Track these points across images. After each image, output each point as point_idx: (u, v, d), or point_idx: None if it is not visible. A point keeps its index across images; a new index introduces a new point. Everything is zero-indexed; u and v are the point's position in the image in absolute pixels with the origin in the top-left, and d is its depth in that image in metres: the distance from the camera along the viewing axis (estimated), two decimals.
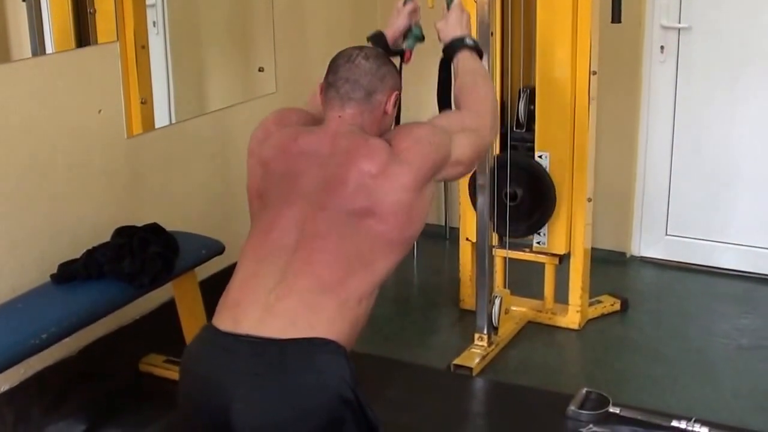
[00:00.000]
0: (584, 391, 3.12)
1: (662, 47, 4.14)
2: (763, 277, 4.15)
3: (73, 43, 3.04)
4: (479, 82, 2.38)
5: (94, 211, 3.12)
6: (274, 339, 1.92)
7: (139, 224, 2.99)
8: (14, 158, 2.84)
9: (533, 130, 3.61)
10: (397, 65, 2.36)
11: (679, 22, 4.08)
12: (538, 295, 3.80)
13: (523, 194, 3.62)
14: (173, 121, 3.52)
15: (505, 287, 3.67)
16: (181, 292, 3.17)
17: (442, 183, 4.59)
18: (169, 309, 3.23)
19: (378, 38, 2.54)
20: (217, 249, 3.16)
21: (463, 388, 3.32)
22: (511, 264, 3.70)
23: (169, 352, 3.30)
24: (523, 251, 3.73)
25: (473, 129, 2.25)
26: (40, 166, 2.93)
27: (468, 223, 3.72)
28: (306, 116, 2.27)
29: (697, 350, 3.55)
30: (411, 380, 3.34)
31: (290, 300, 1.95)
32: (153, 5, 3.37)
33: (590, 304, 3.80)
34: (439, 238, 4.61)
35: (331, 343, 1.94)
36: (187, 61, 3.69)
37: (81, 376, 3.11)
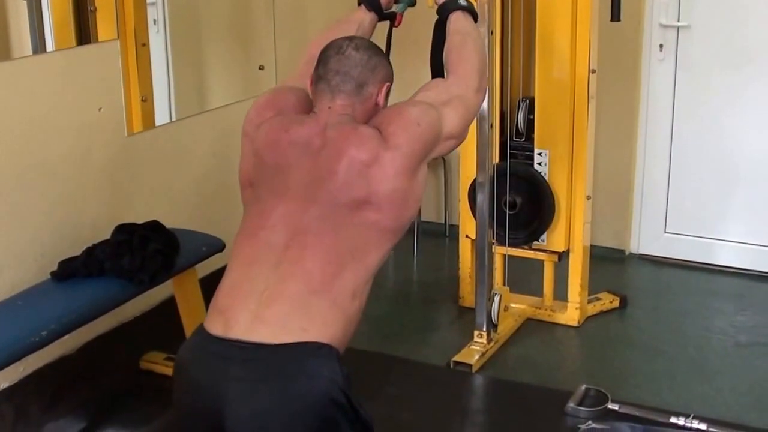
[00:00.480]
0: (583, 387, 3.13)
1: (661, 45, 4.14)
2: (760, 274, 4.16)
3: (73, 41, 3.04)
4: (468, 42, 2.34)
5: (94, 209, 3.13)
6: (265, 344, 1.90)
7: (140, 222, 3.00)
8: (14, 156, 2.84)
9: (532, 140, 3.62)
10: (388, 33, 2.41)
11: (678, 21, 4.09)
12: (538, 292, 3.81)
13: (522, 203, 3.63)
14: (174, 119, 3.52)
15: (504, 284, 3.68)
16: (182, 290, 3.17)
17: (442, 182, 4.60)
18: (169, 306, 3.24)
19: (371, 1, 2.51)
20: (218, 246, 3.16)
21: (462, 385, 3.32)
22: (510, 261, 3.70)
23: (169, 350, 3.30)
24: (523, 249, 3.73)
25: (459, 95, 2.20)
26: (41, 163, 2.93)
27: (468, 220, 3.73)
28: (302, 96, 2.21)
29: (695, 347, 3.56)
30: (411, 377, 3.35)
31: (281, 304, 1.93)
32: (153, 3, 3.37)
33: (589, 301, 3.81)
34: (438, 235, 4.62)
35: (324, 347, 1.91)
36: (188, 59, 3.69)
37: (81, 373, 3.12)
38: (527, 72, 3.70)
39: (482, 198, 3.44)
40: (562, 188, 3.58)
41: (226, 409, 1.89)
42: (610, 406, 3.03)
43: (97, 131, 3.13)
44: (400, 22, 2.57)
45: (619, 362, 3.50)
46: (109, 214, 3.12)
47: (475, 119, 3.38)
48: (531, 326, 3.73)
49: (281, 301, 1.93)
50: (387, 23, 2.57)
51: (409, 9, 2.64)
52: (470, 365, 3.36)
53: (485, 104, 3.25)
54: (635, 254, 4.43)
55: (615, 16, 3.47)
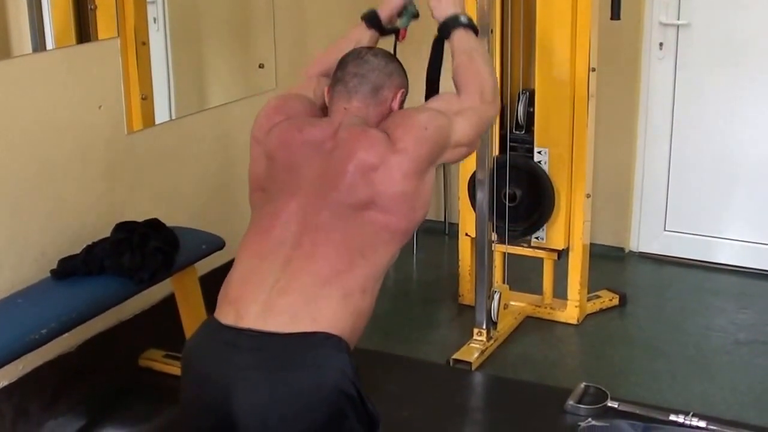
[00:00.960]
0: (583, 385, 3.13)
1: (661, 44, 4.14)
2: (760, 272, 4.16)
3: (73, 39, 3.04)
4: (476, 58, 2.33)
5: (94, 207, 3.13)
6: (276, 333, 1.92)
7: (139, 220, 3.00)
8: (14, 154, 2.84)
9: (532, 132, 3.62)
10: (393, 47, 2.38)
11: (678, 19, 4.09)
12: (537, 290, 3.81)
13: (522, 195, 3.62)
14: (173, 117, 3.52)
15: (504, 282, 3.68)
16: (181, 288, 3.17)
17: (442, 180, 4.60)
18: (169, 304, 3.24)
19: (371, 17, 2.49)
20: (217, 244, 3.16)
21: (462, 383, 3.33)
22: (510, 259, 3.71)
23: (169, 348, 3.30)
24: (522, 247, 3.74)
25: (472, 107, 2.22)
26: (40, 161, 2.93)
27: (467, 218, 3.73)
28: (307, 104, 2.26)
29: (694, 345, 3.56)
30: (410, 375, 3.35)
31: (292, 295, 1.96)
32: (153, 2, 3.37)
33: (589, 299, 3.81)
34: (438, 233, 4.62)
35: (333, 338, 1.94)
36: (188, 58, 3.69)
37: (80, 371, 3.12)
38: (527, 64, 3.69)
39: (482, 196, 3.44)
40: (562, 186, 3.58)
41: (234, 397, 1.90)
42: (609, 403, 3.03)
43: (97, 129, 3.13)
44: (404, 37, 2.52)
45: (618, 360, 3.50)
46: (109, 212, 3.12)
47: None
48: (531, 324, 3.74)
49: (292, 292, 1.96)
50: (393, 37, 2.53)
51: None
52: (470, 363, 3.37)
53: None
54: (635, 252, 4.43)
55: (615, 14, 3.47)
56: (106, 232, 2.93)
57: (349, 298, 1.99)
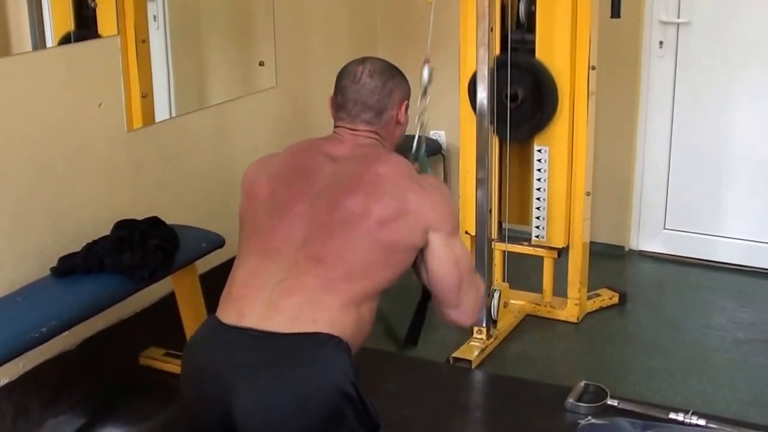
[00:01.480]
0: (582, 383, 3.13)
1: (661, 42, 4.14)
2: (760, 270, 4.16)
3: (73, 38, 3.04)
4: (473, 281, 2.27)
5: (94, 205, 3.13)
6: (277, 333, 1.93)
7: (140, 218, 3.00)
8: (14, 152, 2.84)
9: (534, 31, 3.50)
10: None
11: (678, 18, 4.09)
12: (537, 288, 3.81)
13: (524, 95, 3.50)
14: (173, 115, 3.52)
15: (504, 281, 3.69)
16: (182, 286, 3.17)
17: (442, 178, 4.60)
18: (169, 302, 3.24)
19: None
20: (218, 242, 3.16)
21: (462, 381, 3.33)
22: (509, 257, 3.70)
23: (169, 346, 3.30)
24: (522, 245, 3.74)
25: (470, 268, 2.21)
26: (41, 159, 2.93)
27: (467, 216, 3.73)
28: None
29: (694, 343, 3.57)
30: (410, 373, 3.35)
31: (295, 296, 1.96)
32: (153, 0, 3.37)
33: (589, 298, 3.81)
34: None
35: (334, 338, 1.95)
36: (188, 55, 3.69)
37: (81, 369, 3.12)
38: None
39: (482, 194, 3.43)
40: (561, 185, 3.58)
41: (234, 396, 1.91)
42: (609, 401, 3.03)
43: (97, 127, 3.13)
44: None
45: (618, 358, 3.50)
46: (109, 210, 3.12)
47: (474, 115, 3.40)
48: (530, 322, 3.74)
49: (296, 293, 1.97)
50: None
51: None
52: (470, 361, 3.37)
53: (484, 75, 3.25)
54: (635, 251, 4.43)
55: (615, 13, 3.47)
56: (107, 230, 2.93)
57: (350, 306, 1.99)
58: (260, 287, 1.99)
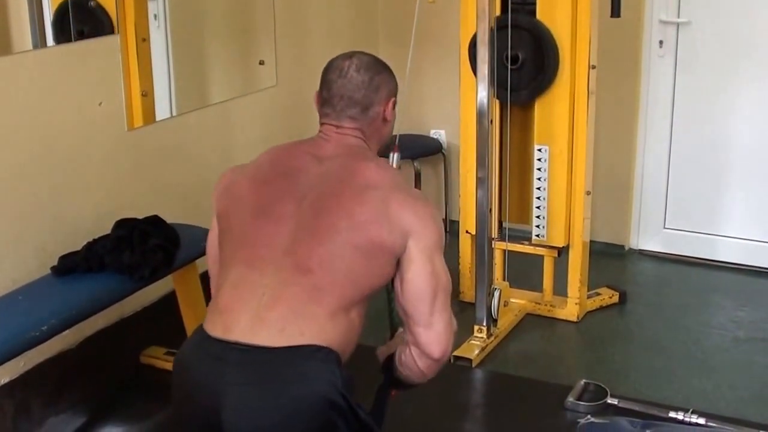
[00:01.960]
0: (582, 382, 3.14)
1: (661, 42, 4.15)
2: (759, 269, 4.17)
3: (72, 36, 3.04)
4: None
5: (94, 204, 3.13)
6: (264, 347, 1.90)
7: (140, 216, 3.00)
8: (15, 150, 2.84)
9: None
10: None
11: (678, 17, 4.09)
12: (537, 287, 3.82)
13: (525, 56, 3.47)
14: (174, 114, 3.52)
15: (504, 280, 3.69)
16: (182, 285, 3.18)
17: (442, 177, 4.60)
18: (169, 301, 3.25)
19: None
20: None
21: (462, 380, 3.33)
22: (510, 256, 3.71)
23: (170, 345, 3.30)
24: (522, 244, 3.74)
25: (447, 290, 2.07)
26: (41, 158, 2.93)
27: (468, 215, 3.73)
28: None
29: (694, 342, 3.57)
30: None
31: (281, 308, 1.93)
32: None
33: (589, 297, 3.82)
34: None
35: (322, 350, 1.92)
36: (188, 54, 3.69)
37: (81, 368, 3.12)
38: None
39: (483, 193, 3.44)
40: (561, 184, 3.59)
41: (223, 412, 1.89)
42: (609, 400, 3.03)
43: (97, 126, 3.13)
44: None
45: (618, 357, 3.50)
46: (110, 209, 3.12)
47: (474, 113, 3.40)
48: (531, 321, 3.74)
49: (281, 304, 1.94)
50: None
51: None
52: (470, 360, 3.37)
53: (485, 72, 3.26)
54: (635, 250, 4.44)
55: (615, 12, 3.47)
56: (107, 229, 2.93)
57: (337, 315, 1.96)
58: (246, 300, 1.95)
